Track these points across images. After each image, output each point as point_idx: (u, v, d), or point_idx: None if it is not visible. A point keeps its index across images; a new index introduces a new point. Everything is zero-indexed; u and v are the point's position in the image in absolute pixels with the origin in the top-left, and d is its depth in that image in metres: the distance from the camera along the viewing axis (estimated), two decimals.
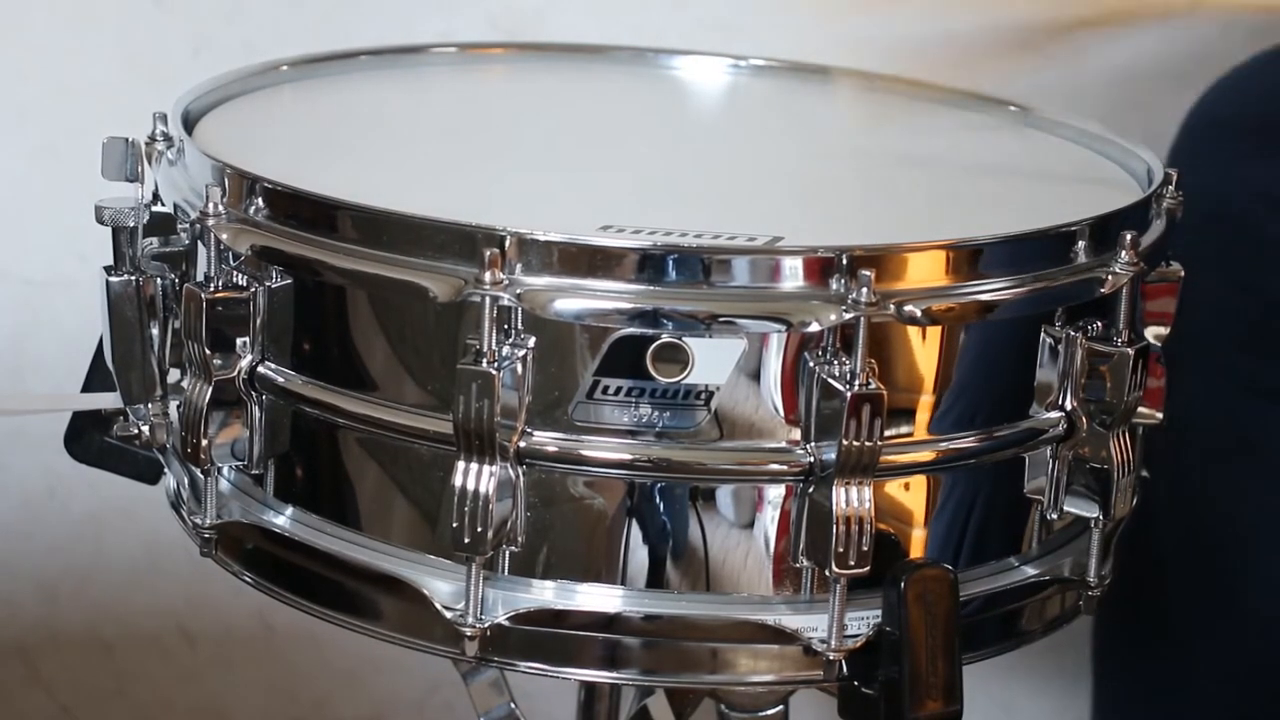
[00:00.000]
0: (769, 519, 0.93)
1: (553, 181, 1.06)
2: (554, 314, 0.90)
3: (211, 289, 0.95)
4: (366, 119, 1.17)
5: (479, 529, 0.90)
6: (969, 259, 0.93)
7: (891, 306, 0.90)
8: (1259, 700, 1.42)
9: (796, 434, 0.92)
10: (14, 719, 1.70)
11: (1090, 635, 1.54)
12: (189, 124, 1.07)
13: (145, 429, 1.04)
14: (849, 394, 0.89)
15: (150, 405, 1.04)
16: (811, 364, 0.91)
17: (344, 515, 0.97)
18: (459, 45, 1.28)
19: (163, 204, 1.04)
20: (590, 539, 0.93)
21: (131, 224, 1.03)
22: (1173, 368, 1.03)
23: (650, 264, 0.89)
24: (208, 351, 0.95)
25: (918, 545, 0.96)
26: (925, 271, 0.92)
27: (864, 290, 0.89)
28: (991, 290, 0.93)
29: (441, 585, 0.94)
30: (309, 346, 0.96)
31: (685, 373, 0.91)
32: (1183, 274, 1.02)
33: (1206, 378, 1.17)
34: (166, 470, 1.06)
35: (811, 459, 0.91)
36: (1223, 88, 1.45)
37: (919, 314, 0.91)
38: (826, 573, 0.91)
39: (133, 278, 1.03)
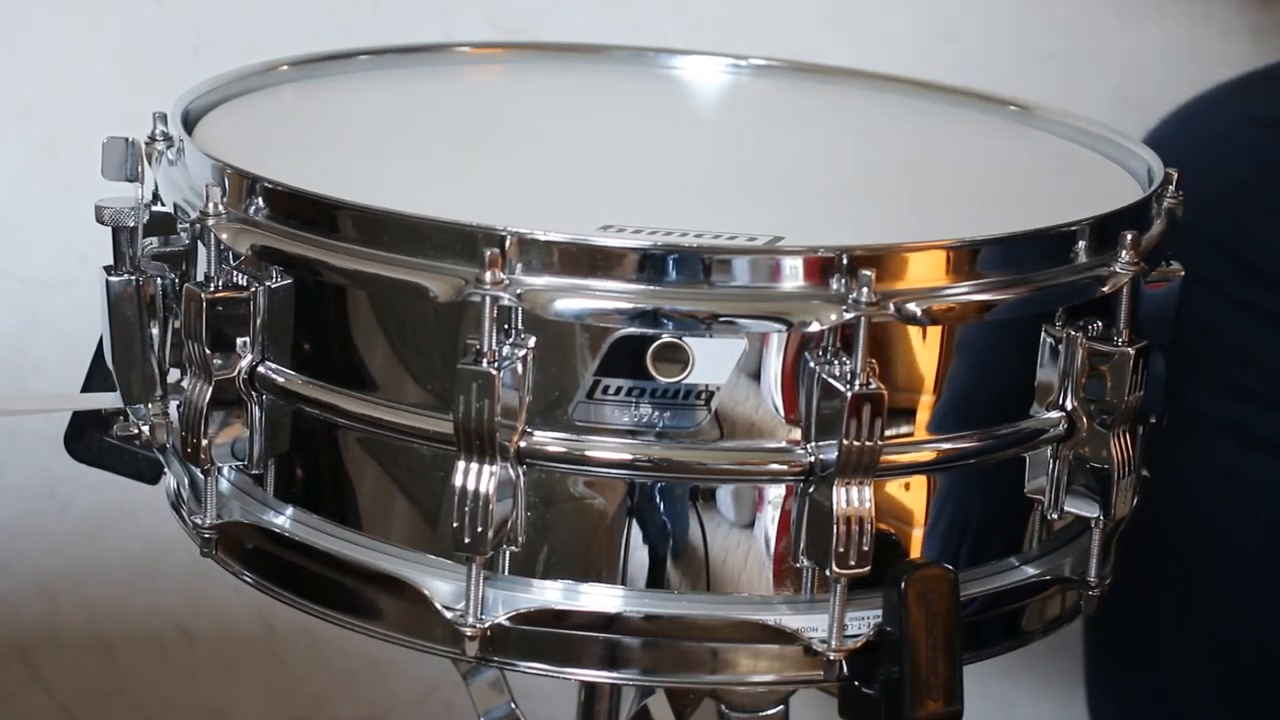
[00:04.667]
0: (769, 519, 0.93)
1: (553, 181, 1.06)
2: (554, 314, 0.90)
3: (211, 289, 0.95)
4: (367, 119, 1.17)
5: (479, 529, 0.90)
6: (969, 259, 0.93)
7: (892, 306, 0.90)
8: (1240, 713, 1.43)
9: (797, 434, 0.92)
10: (14, 719, 1.70)
11: (1081, 646, 1.54)
12: (189, 124, 1.07)
13: (145, 429, 1.04)
14: (849, 394, 0.89)
15: (150, 405, 1.04)
16: (812, 364, 0.91)
17: (344, 515, 0.97)
18: (459, 45, 1.28)
19: (163, 204, 1.04)
20: (590, 539, 0.93)
21: (131, 224, 1.03)
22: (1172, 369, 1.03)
23: (650, 264, 0.89)
24: (208, 351, 0.95)
25: (918, 545, 0.96)
26: (925, 271, 0.92)
27: (864, 290, 0.89)
28: (992, 290, 0.93)
29: (442, 585, 0.94)
30: (309, 346, 0.96)
31: (685, 372, 0.91)
32: (1183, 273, 1.02)
33: (1181, 412, 1.18)
34: (166, 470, 1.06)
35: (812, 459, 0.91)
36: (1164, 134, 1.46)
37: (919, 314, 0.91)
38: (827, 573, 0.91)
39: (133, 278, 1.03)
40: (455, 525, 0.90)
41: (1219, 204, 1.37)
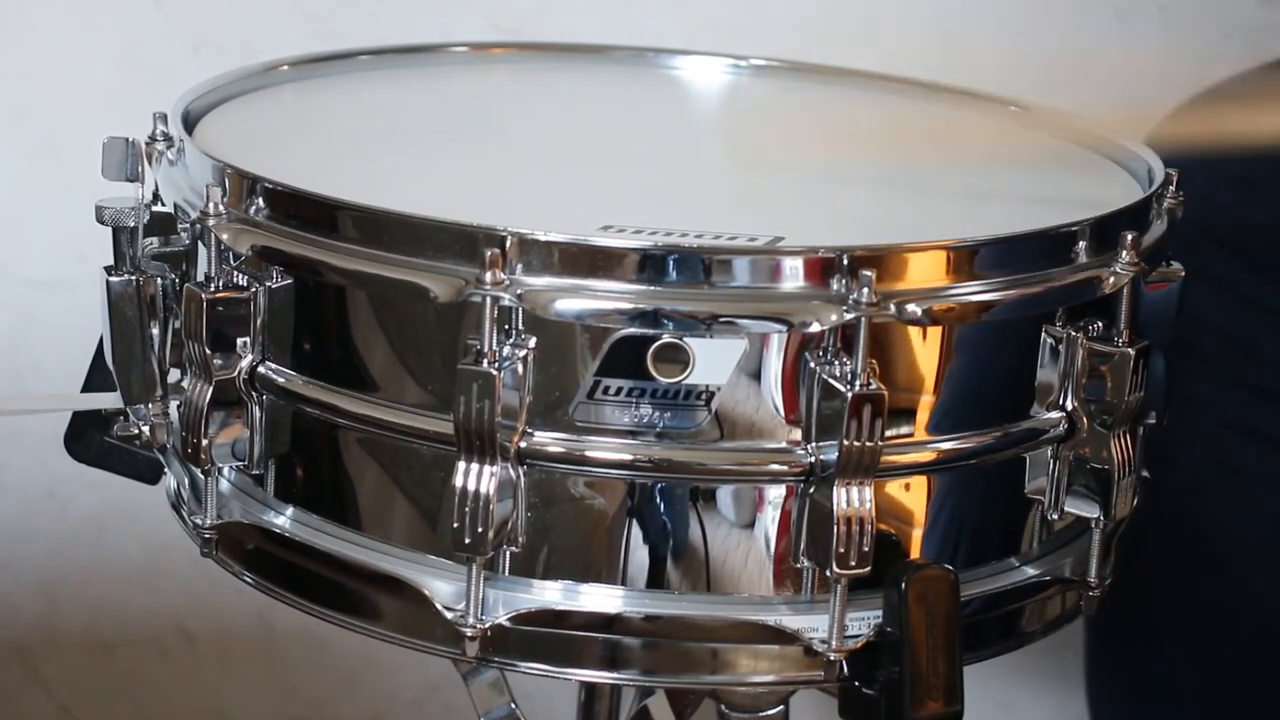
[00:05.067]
0: (769, 519, 0.93)
1: (553, 181, 1.06)
2: (555, 314, 0.90)
3: (212, 289, 0.95)
4: (366, 119, 1.17)
5: (479, 529, 0.90)
6: (969, 259, 0.93)
7: (892, 307, 0.90)
8: (1241, 710, 1.43)
9: (797, 434, 0.92)
10: (14, 719, 1.70)
11: (1082, 645, 1.54)
12: (189, 124, 1.07)
13: (145, 429, 1.04)
14: (850, 394, 0.89)
15: (150, 405, 1.04)
16: (812, 364, 0.91)
17: (344, 515, 0.97)
18: (459, 45, 1.28)
19: (163, 204, 1.04)
20: (591, 539, 0.93)
21: (132, 224, 1.03)
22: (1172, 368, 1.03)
23: (651, 264, 0.89)
24: (208, 351, 0.95)
25: (918, 545, 0.96)
26: (926, 271, 0.92)
27: (865, 290, 0.89)
28: (992, 290, 0.93)
29: (442, 585, 0.94)
30: (309, 346, 0.96)
31: (686, 373, 0.91)
32: (1183, 273, 1.02)
33: (1182, 406, 1.19)
34: (167, 470, 1.06)
35: (812, 459, 0.91)
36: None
37: (920, 314, 0.91)
38: (827, 573, 0.91)
39: (133, 278, 1.03)
40: (455, 525, 0.90)
41: (1222, 198, 1.37)
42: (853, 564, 0.90)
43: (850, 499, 0.90)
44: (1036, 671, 1.78)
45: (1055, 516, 0.98)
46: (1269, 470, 1.39)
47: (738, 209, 1.03)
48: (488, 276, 0.89)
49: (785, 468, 0.92)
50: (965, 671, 0.92)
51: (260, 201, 0.96)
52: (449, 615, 0.93)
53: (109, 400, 1.07)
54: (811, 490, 0.92)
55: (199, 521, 1.00)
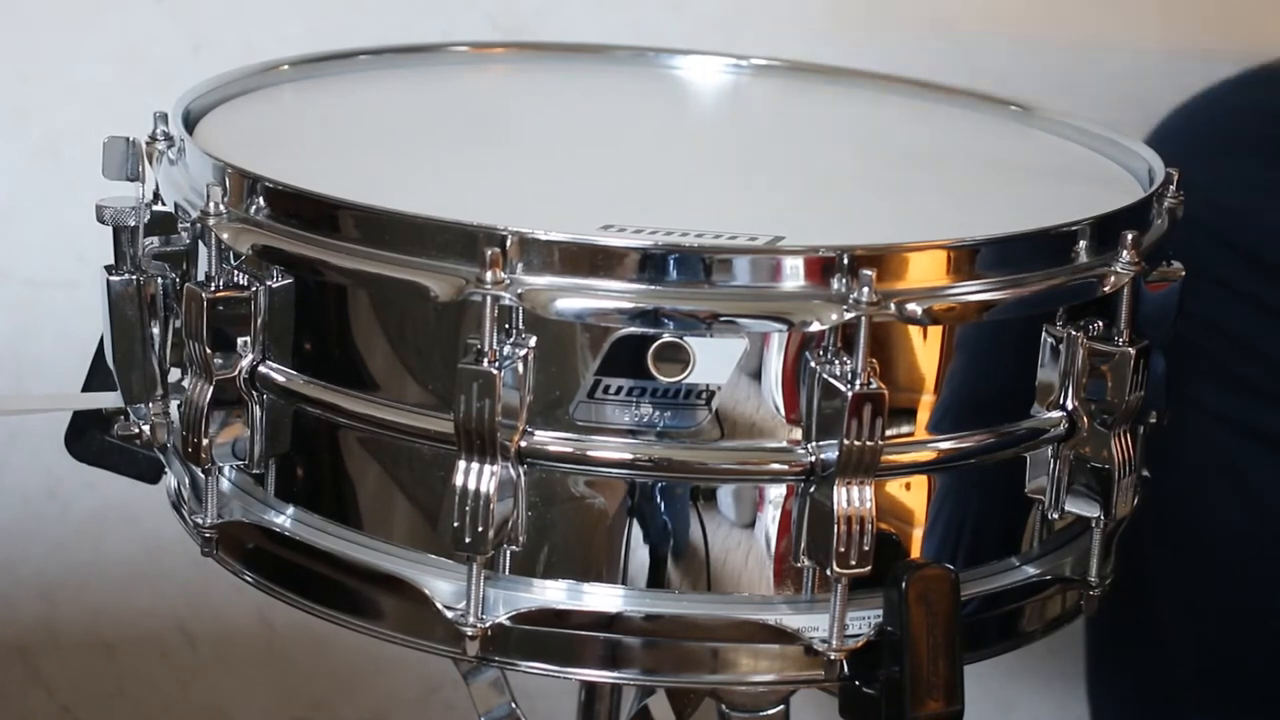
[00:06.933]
0: (770, 519, 0.93)
1: (553, 181, 1.06)
2: (555, 313, 0.90)
3: (212, 288, 0.95)
4: (366, 119, 1.17)
5: (480, 528, 0.90)
6: (970, 258, 0.93)
7: (893, 306, 0.90)
8: (1242, 711, 1.43)
9: (798, 433, 0.92)
10: (15, 719, 1.70)
11: (1083, 645, 1.54)
12: (190, 123, 1.07)
13: (146, 428, 1.04)
14: (850, 394, 0.89)
15: (151, 405, 1.04)
16: (813, 363, 0.91)
17: (345, 515, 0.97)
18: (459, 45, 1.28)
19: (163, 203, 1.04)
20: (591, 538, 0.93)
21: (132, 223, 1.03)
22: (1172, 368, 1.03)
23: (651, 263, 0.89)
24: (209, 351, 0.95)
25: (919, 545, 0.96)
26: (926, 271, 0.92)
27: (865, 290, 0.89)
28: (993, 290, 0.93)
29: (442, 585, 0.94)
30: (310, 346, 0.96)
31: (686, 372, 0.91)
32: (1184, 273, 1.02)
33: (1182, 405, 1.19)
34: (167, 470, 1.06)
35: (813, 458, 0.91)
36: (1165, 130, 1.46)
37: (920, 313, 0.91)
38: (828, 572, 0.91)
39: (134, 277, 1.03)
40: (456, 525, 0.90)
41: (1223, 196, 1.37)
42: (853, 563, 0.90)
43: (851, 498, 0.90)
44: (1036, 671, 1.78)
45: (1056, 516, 0.98)
46: (1269, 470, 1.39)
47: (738, 209, 1.03)
48: (488, 276, 0.89)
49: (786, 467, 0.92)
50: (965, 671, 0.92)
51: (261, 201, 0.96)
52: (449, 614, 0.93)
53: (109, 400, 1.07)
54: (812, 489, 0.92)
55: (199, 521, 1.00)
